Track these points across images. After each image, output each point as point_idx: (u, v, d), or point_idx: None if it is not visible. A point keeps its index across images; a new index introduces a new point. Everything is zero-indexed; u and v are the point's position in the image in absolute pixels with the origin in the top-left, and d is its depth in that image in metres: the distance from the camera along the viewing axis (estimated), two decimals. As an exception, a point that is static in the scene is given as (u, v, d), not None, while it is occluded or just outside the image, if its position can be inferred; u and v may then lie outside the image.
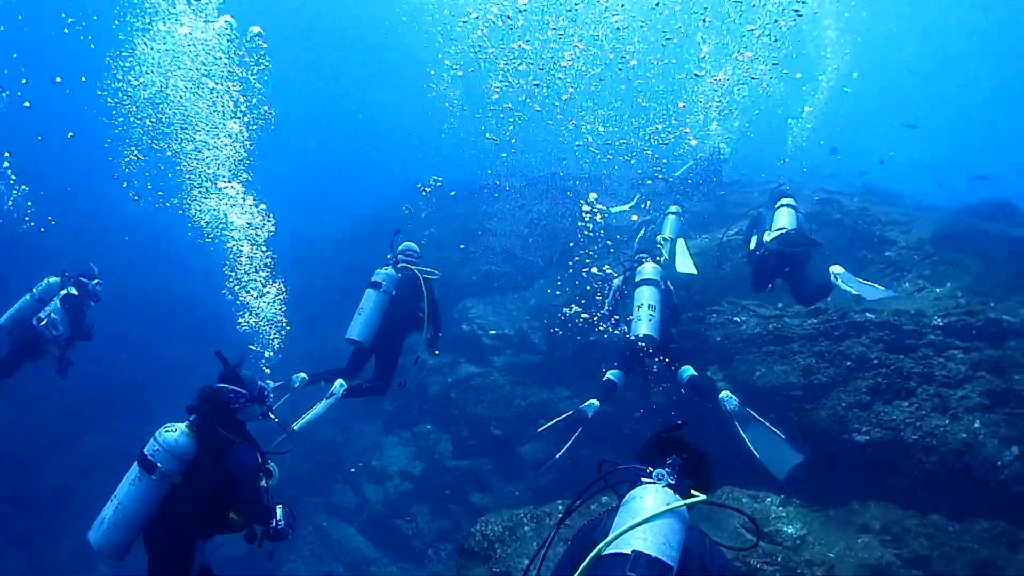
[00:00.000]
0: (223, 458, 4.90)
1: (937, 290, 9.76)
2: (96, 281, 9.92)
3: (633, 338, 8.56)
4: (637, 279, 8.99)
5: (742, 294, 10.40)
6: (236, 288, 8.77)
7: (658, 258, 10.37)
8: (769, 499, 7.45)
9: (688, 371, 8.62)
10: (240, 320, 8.69)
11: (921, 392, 7.95)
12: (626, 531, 3.18)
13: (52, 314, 9.34)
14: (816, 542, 6.71)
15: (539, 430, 8.88)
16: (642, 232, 13.12)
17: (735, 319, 9.84)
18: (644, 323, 8.53)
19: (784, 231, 9.12)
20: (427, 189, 18.45)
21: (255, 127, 9.87)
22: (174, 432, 4.86)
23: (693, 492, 3.46)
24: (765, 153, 19.25)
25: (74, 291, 9.62)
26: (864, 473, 7.71)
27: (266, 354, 8.49)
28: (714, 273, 10.99)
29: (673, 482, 3.50)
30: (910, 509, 7.08)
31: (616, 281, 9.69)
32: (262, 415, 5.54)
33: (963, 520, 6.83)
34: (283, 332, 8.88)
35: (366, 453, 13.67)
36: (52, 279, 9.74)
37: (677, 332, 9.40)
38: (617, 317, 9.39)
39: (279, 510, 5.12)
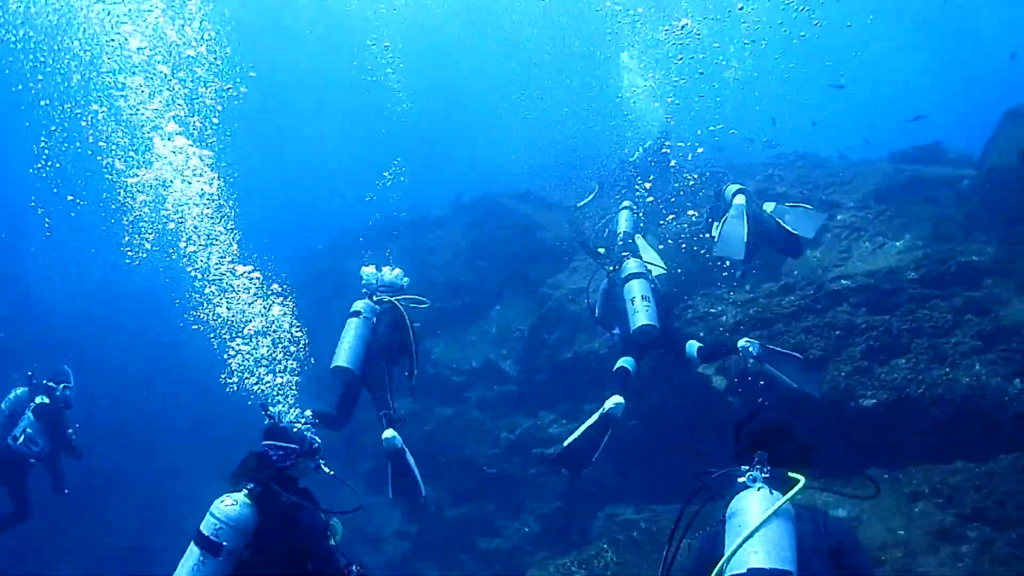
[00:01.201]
0: (292, 524, 4.55)
1: (898, 244, 9.89)
2: (63, 385, 9.15)
3: (633, 331, 8.42)
4: (623, 275, 8.88)
5: (710, 284, 10.38)
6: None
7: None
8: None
9: (694, 345, 8.49)
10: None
11: (916, 347, 8.01)
12: (737, 549, 3.20)
13: (27, 428, 8.67)
14: (871, 520, 6.63)
15: (565, 443, 8.58)
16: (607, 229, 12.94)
17: (712, 311, 9.79)
18: (642, 313, 8.43)
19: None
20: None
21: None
22: (235, 505, 4.50)
23: (791, 476, 3.47)
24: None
25: (46, 399, 8.91)
26: (880, 437, 7.71)
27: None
28: (685, 267, 10.91)
29: (767, 475, 3.56)
30: (938, 462, 7.09)
31: (601, 284, 9.55)
32: (315, 468, 5.20)
33: (987, 461, 6.85)
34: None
35: (353, 520, 13.13)
36: (19, 390, 9.04)
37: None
38: (616, 331, 9.21)
39: (353, 570, 4.75)
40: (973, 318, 7.93)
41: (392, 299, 8.71)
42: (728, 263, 9.75)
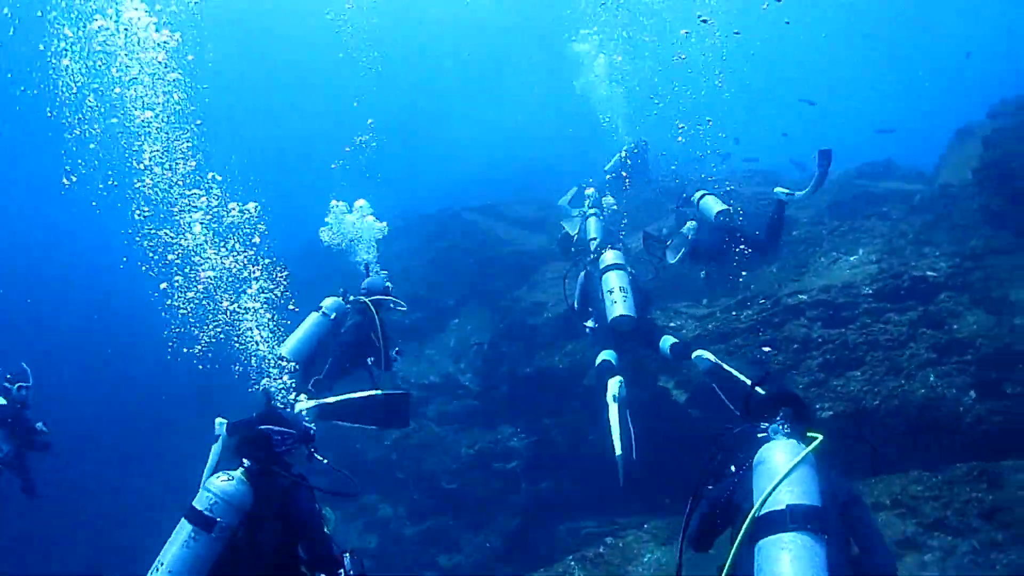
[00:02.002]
0: (288, 505, 4.46)
1: (852, 258, 10.10)
2: (19, 385, 8.88)
3: (610, 321, 8.46)
4: (601, 267, 8.94)
5: (668, 298, 10.49)
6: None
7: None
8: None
9: (668, 340, 8.56)
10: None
11: (871, 359, 8.17)
12: (775, 488, 3.55)
13: None
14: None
15: (618, 456, 8.02)
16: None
17: (671, 325, 9.87)
18: (619, 304, 8.48)
19: (725, 210, 9.74)
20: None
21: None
22: (231, 481, 4.40)
23: (809, 434, 3.92)
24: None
25: (2, 401, 8.69)
26: (839, 449, 7.81)
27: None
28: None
29: (790, 431, 3.99)
30: (895, 473, 7.23)
31: (579, 276, 9.59)
32: (307, 457, 5.07)
33: (942, 470, 7.01)
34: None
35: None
36: None
37: None
38: (590, 326, 9.25)
39: (346, 559, 4.60)
40: (927, 331, 8.11)
41: (366, 300, 8.62)
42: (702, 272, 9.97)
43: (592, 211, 11.84)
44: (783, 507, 3.46)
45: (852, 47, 45.00)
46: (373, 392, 7.58)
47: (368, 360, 8.47)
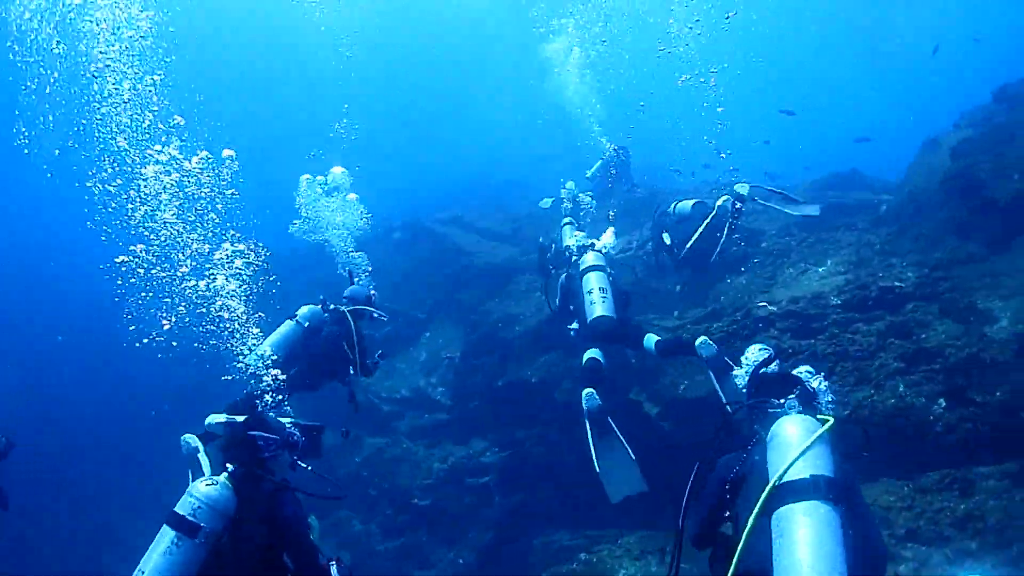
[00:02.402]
0: (273, 511, 4.37)
1: (820, 269, 10.14)
2: None
3: (590, 322, 8.44)
4: (582, 268, 8.93)
5: (638, 311, 10.49)
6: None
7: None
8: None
9: (651, 339, 8.52)
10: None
11: (841, 369, 8.20)
12: (798, 458, 3.65)
13: None
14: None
15: (600, 474, 8.07)
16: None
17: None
18: (598, 305, 8.47)
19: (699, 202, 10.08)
20: None
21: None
22: (215, 486, 4.31)
23: (819, 417, 4.05)
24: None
25: None
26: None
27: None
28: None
29: (802, 410, 4.17)
30: (865, 483, 7.27)
31: (560, 278, 9.57)
32: (291, 465, 4.97)
33: (914, 479, 7.06)
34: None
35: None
36: None
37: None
38: (573, 327, 9.20)
39: (333, 567, 4.53)
40: (896, 341, 8.15)
41: (344, 309, 8.53)
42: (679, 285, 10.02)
43: (566, 220, 11.84)
44: (807, 476, 3.58)
45: (830, 56, 45.53)
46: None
47: (344, 371, 8.33)
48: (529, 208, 17.22)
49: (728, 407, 4.71)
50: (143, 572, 4.05)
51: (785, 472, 3.64)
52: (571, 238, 11.16)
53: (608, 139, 15.65)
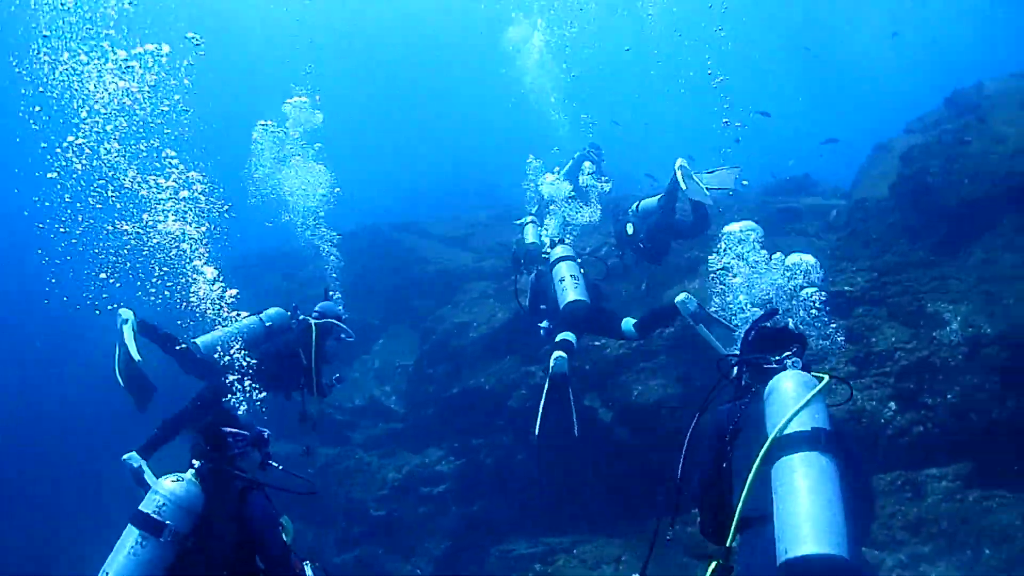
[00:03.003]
0: (243, 510, 4.18)
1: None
2: None
3: (563, 308, 8.30)
4: (552, 260, 8.81)
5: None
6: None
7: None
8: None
9: (629, 322, 8.42)
10: None
11: (791, 373, 8.19)
12: (797, 413, 3.70)
13: None
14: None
15: (536, 427, 8.02)
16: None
17: (595, 343, 9.82)
18: (571, 291, 8.32)
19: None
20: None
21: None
22: (181, 483, 4.16)
23: (815, 375, 4.07)
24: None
25: None
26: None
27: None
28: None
29: (800, 367, 4.19)
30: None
31: (530, 277, 9.45)
32: (260, 464, 4.77)
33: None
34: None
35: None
36: None
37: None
38: (543, 326, 9.06)
39: (308, 568, 4.39)
40: (846, 345, 8.18)
41: (312, 321, 8.28)
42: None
43: (530, 219, 11.75)
44: (808, 428, 3.66)
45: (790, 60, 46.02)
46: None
47: (293, 384, 8.09)
48: (488, 213, 17.15)
49: (724, 361, 4.61)
50: (107, 572, 3.93)
51: (786, 424, 3.70)
52: (534, 235, 11.08)
53: (588, 116, 15.47)
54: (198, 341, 7.57)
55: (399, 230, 16.75)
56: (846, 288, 8.77)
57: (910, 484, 6.93)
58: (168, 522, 4.00)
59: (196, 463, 4.37)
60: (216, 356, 7.43)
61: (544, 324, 9.01)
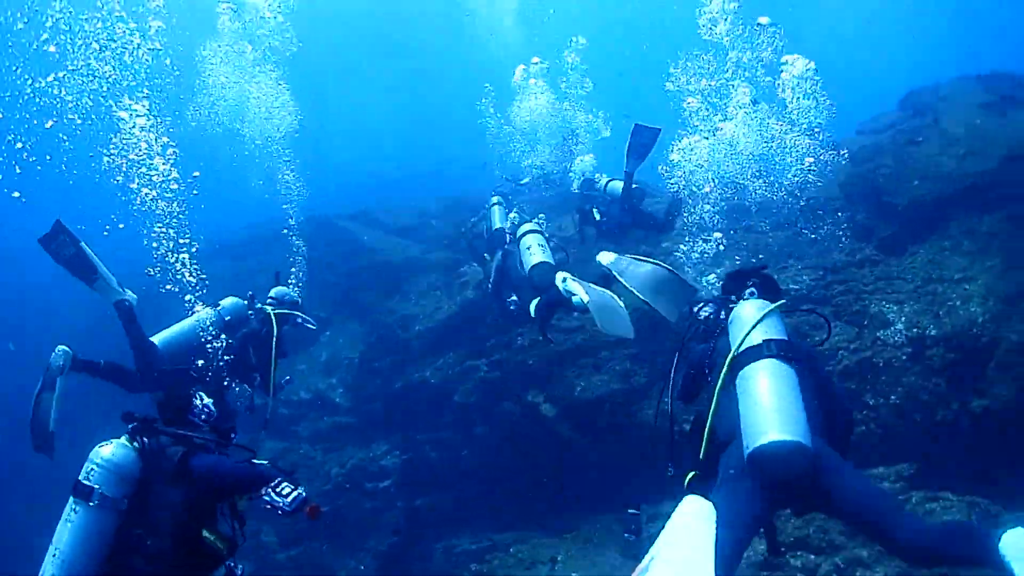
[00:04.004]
0: (187, 468, 4.08)
1: (718, 271, 10.02)
2: None
3: (530, 270, 8.06)
4: (519, 234, 8.64)
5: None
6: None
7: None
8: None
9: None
10: None
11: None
12: (750, 331, 4.12)
13: None
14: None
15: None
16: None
17: (539, 338, 9.70)
18: (538, 254, 8.10)
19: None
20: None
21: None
22: (110, 446, 4.05)
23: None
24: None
25: None
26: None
27: None
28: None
29: (758, 296, 4.65)
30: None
31: (496, 257, 9.25)
32: (216, 444, 4.55)
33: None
34: None
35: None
36: None
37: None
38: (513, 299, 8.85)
39: (268, 467, 4.34)
40: (790, 343, 8.14)
41: (269, 310, 7.86)
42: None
43: (496, 200, 11.57)
44: (759, 342, 4.02)
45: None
46: None
47: (250, 377, 7.63)
48: (442, 203, 16.92)
49: (695, 303, 5.06)
50: (55, 547, 3.87)
51: (743, 341, 4.08)
52: (500, 219, 10.88)
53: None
54: (155, 340, 7.16)
55: (348, 220, 16.47)
56: (791, 286, 8.73)
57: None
58: (96, 486, 3.90)
59: (131, 426, 4.23)
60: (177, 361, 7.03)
61: (513, 298, 8.83)
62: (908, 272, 8.72)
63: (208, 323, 7.45)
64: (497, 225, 10.53)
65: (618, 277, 6.98)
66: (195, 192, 7.39)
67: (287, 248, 10.61)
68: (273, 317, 7.72)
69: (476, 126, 14.17)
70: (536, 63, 13.03)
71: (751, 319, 4.20)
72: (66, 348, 6.59)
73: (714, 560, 3.02)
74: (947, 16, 41.40)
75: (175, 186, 7.05)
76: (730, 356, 4.07)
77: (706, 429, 4.10)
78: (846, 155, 10.31)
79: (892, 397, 7.47)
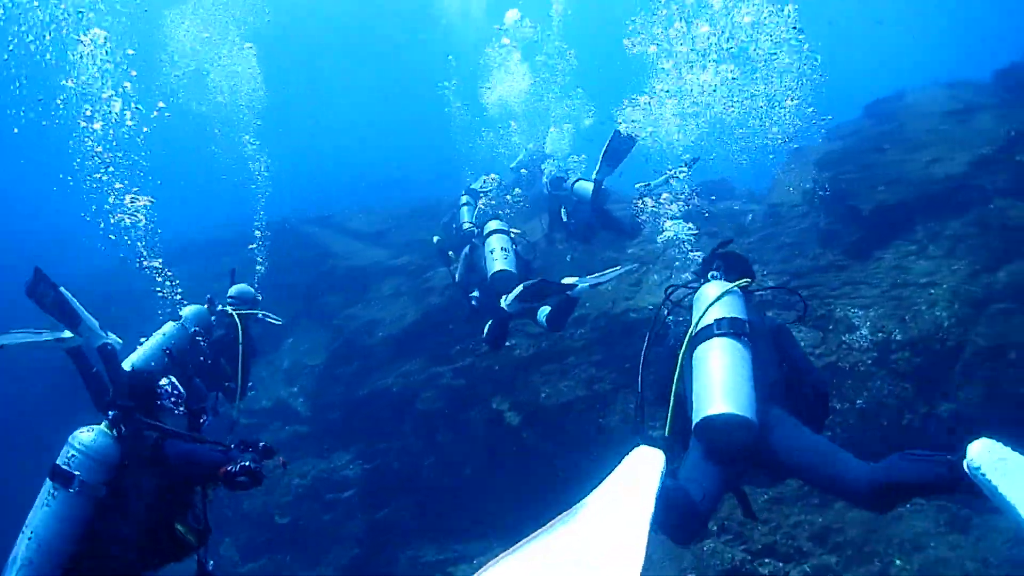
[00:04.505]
0: (160, 455, 4.06)
1: (684, 275, 10.06)
2: None
3: (491, 277, 7.93)
4: (485, 233, 8.49)
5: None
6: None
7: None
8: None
9: (544, 311, 8.00)
10: None
11: (699, 377, 8.08)
12: (705, 312, 4.20)
13: None
14: (662, 561, 6.52)
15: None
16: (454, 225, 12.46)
17: (506, 344, 9.59)
18: (499, 261, 7.96)
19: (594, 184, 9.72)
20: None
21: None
22: (91, 432, 4.02)
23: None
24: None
25: None
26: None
27: None
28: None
29: (721, 278, 4.77)
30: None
31: (464, 250, 9.11)
32: (188, 427, 4.56)
33: (772, 487, 6.96)
34: None
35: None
36: None
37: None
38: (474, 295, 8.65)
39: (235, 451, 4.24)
40: (755, 350, 8.10)
41: (234, 312, 7.56)
42: None
43: (464, 199, 11.42)
44: (711, 321, 4.12)
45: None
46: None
47: (220, 385, 7.48)
48: (410, 207, 16.78)
49: (668, 289, 5.05)
50: (28, 527, 3.87)
51: (698, 322, 4.18)
52: (468, 216, 10.72)
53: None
54: (129, 364, 6.89)
55: (313, 224, 16.29)
56: (756, 292, 8.67)
57: (817, 491, 6.82)
58: (77, 472, 3.90)
59: (110, 413, 4.19)
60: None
61: (475, 294, 8.74)
62: (874, 277, 8.70)
63: (173, 342, 7.24)
64: (466, 224, 10.43)
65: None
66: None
67: (249, 253, 10.33)
68: (237, 318, 7.45)
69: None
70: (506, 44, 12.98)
71: (708, 300, 4.32)
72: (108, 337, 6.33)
73: (666, 500, 3.24)
74: (913, 24, 41.97)
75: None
76: (687, 338, 4.23)
77: (670, 405, 4.22)
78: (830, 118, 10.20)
79: (858, 402, 7.43)
